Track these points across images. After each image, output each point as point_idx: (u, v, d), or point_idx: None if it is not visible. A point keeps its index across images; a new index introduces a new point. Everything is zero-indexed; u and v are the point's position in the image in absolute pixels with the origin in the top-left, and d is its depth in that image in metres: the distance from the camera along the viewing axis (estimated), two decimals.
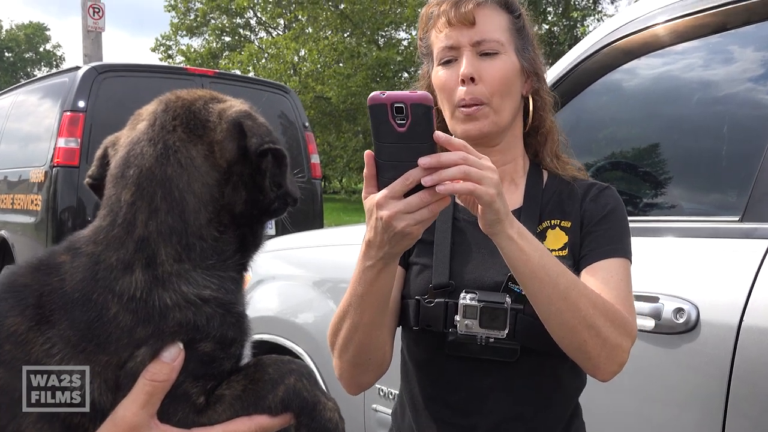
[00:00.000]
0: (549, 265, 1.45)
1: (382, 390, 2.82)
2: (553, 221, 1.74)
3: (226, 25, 40.21)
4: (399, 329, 1.80)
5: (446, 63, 1.75)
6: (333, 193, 40.78)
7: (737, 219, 2.07)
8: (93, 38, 13.45)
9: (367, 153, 1.35)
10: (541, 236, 1.69)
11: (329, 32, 31.79)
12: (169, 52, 40.83)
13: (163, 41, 41.06)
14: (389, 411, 1.82)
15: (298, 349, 3.21)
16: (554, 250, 1.66)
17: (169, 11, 40.58)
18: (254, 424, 1.04)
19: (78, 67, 7.49)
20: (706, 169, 2.50)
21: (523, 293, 1.56)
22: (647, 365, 2.02)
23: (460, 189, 1.31)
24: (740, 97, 2.36)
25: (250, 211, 1.10)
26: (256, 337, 1.16)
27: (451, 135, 1.40)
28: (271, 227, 5.98)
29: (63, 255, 1.04)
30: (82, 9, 13.40)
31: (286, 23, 37.25)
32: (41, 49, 66.48)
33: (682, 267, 2.13)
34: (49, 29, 70.76)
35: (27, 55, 65.67)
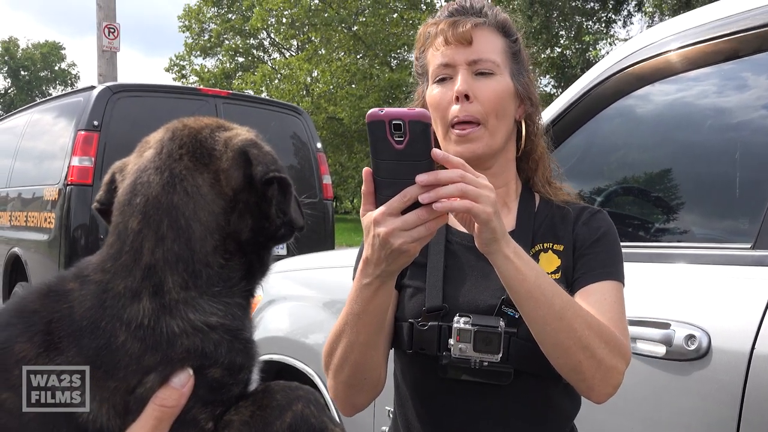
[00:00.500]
0: (545, 285, 1.45)
1: (392, 412, 2.81)
2: (545, 244, 1.74)
3: (240, 45, 40.51)
4: (392, 352, 1.80)
5: (441, 81, 1.76)
6: (344, 213, 40.85)
7: (749, 246, 2.07)
8: (108, 58, 13.53)
9: (366, 170, 1.36)
10: (534, 260, 1.70)
11: (342, 54, 31.97)
12: (183, 71, 41.10)
13: (177, 61, 41.34)
14: None
15: (307, 370, 3.20)
16: (547, 274, 1.67)
17: (183, 32, 40.99)
18: None
19: (93, 87, 7.53)
20: (718, 196, 2.49)
21: (516, 317, 1.57)
22: (658, 392, 2.01)
23: (457, 207, 1.31)
24: (753, 124, 2.36)
25: (256, 238, 1.10)
26: (266, 357, 1.16)
27: None
28: (282, 248, 5.99)
29: (72, 282, 1.05)
30: (97, 29, 13.49)
31: (300, 44, 37.51)
32: (56, 68, 66.98)
33: (693, 294, 2.12)
34: (64, 48, 71.36)
35: (42, 74, 66.19)
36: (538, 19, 21.10)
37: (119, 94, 7.31)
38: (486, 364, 1.62)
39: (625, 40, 18.76)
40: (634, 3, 21.15)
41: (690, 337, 1.93)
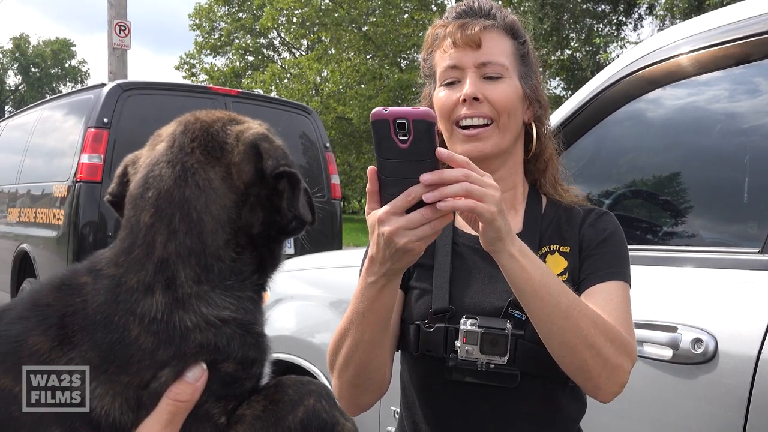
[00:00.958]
0: (550, 284, 1.45)
1: (398, 413, 2.81)
2: (552, 246, 1.75)
3: (250, 44, 40.56)
4: (398, 354, 1.80)
5: (449, 84, 1.75)
6: (352, 213, 40.84)
7: (758, 251, 2.07)
8: (118, 56, 13.56)
9: (370, 169, 1.36)
10: None
11: (352, 54, 31.96)
12: (193, 70, 41.17)
13: (188, 59, 41.40)
14: None
15: (314, 369, 3.21)
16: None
17: (193, 30, 41.00)
18: None
19: (103, 84, 7.54)
20: (727, 200, 2.49)
21: (523, 319, 1.57)
22: (664, 395, 2.01)
23: (461, 206, 1.31)
24: (763, 129, 2.36)
25: (267, 231, 1.11)
26: (273, 356, 1.17)
27: None
28: (290, 247, 5.99)
29: (85, 276, 1.05)
30: (108, 27, 13.53)
31: (309, 44, 37.53)
32: (67, 65, 67.16)
33: (701, 297, 2.12)
34: (75, 45, 71.57)
35: (53, 71, 66.38)
36: (549, 21, 21.07)
37: (129, 91, 7.33)
38: (492, 366, 1.62)
39: (636, 43, 18.73)
40: (645, 6, 21.07)
41: (697, 341, 1.93)
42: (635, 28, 23.34)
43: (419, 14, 30.69)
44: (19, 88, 66.92)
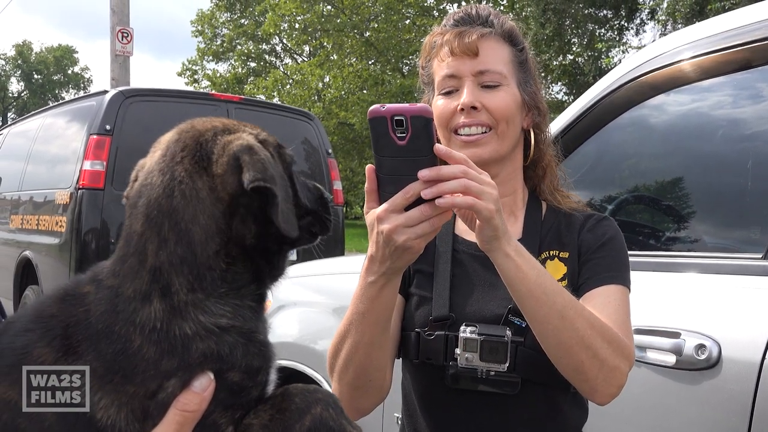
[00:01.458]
0: (546, 284, 1.45)
1: (401, 420, 2.81)
2: (551, 252, 1.75)
3: (252, 50, 40.60)
4: (400, 361, 1.80)
5: (447, 93, 1.75)
6: (355, 219, 40.83)
7: (761, 256, 2.06)
8: (121, 62, 13.60)
9: (369, 167, 1.36)
10: None
11: (354, 59, 31.99)
12: (195, 76, 41.21)
13: (190, 66, 41.45)
14: None
15: (316, 376, 3.21)
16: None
17: (196, 36, 41.05)
18: None
19: (105, 91, 7.55)
20: (730, 205, 2.49)
21: (523, 326, 1.57)
22: (668, 401, 2.01)
23: (460, 203, 1.31)
24: (766, 134, 2.36)
25: (263, 243, 1.10)
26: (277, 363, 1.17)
27: None
28: (292, 253, 5.96)
29: (87, 285, 1.06)
30: (111, 33, 13.56)
31: (312, 50, 37.55)
32: (69, 72, 67.29)
33: (704, 303, 2.11)
34: (77, 52, 71.69)
35: (56, 78, 66.51)
36: (551, 27, 21.08)
37: (132, 98, 7.34)
38: (493, 373, 1.62)
39: (638, 48, 18.74)
40: (647, 11, 21.08)
41: (700, 347, 1.93)
42: (637, 33, 23.30)
43: (421, 20, 30.72)
44: (22, 95, 67.06)
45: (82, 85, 66.62)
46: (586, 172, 2.81)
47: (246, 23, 40.21)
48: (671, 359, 1.99)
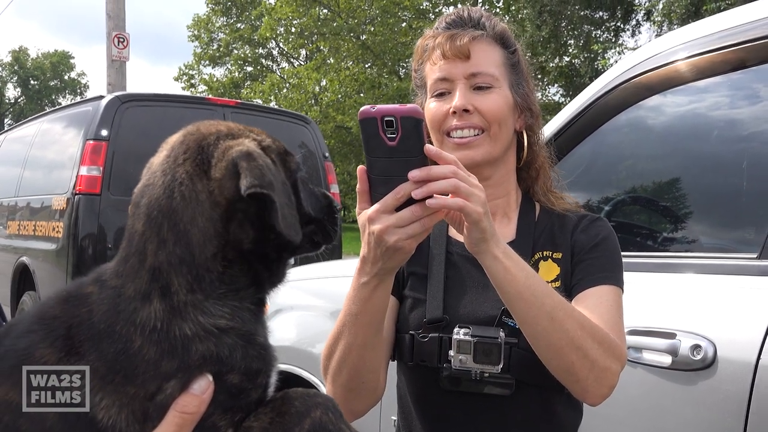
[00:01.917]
0: (535, 286, 1.45)
1: (397, 422, 2.81)
2: (545, 252, 1.75)
3: (249, 55, 40.60)
4: (395, 364, 1.80)
5: (439, 96, 1.76)
6: (352, 222, 40.75)
7: (755, 256, 2.07)
8: (117, 67, 13.59)
9: (360, 168, 1.37)
10: (534, 268, 1.69)
11: (350, 63, 31.97)
12: (192, 81, 41.21)
13: (186, 71, 41.45)
14: None
15: (314, 380, 3.21)
16: (547, 282, 1.66)
17: (192, 41, 41.06)
18: None
19: (102, 96, 7.56)
20: (725, 206, 2.50)
21: (516, 327, 1.56)
22: (663, 402, 2.01)
23: (450, 204, 1.32)
24: (761, 135, 2.36)
25: (261, 249, 1.11)
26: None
27: None
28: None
29: (90, 286, 1.07)
30: (107, 39, 13.56)
31: (308, 54, 37.56)
32: (66, 77, 67.26)
33: (699, 303, 2.12)
34: (73, 57, 71.67)
35: (52, 83, 66.46)
36: (547, 28, 21.09)
37: (128, 103, 7.35)
38: (487, 375, 1.63)
39: (634, 49, 18.75)
40: (642, 12, 21.11)
41: (696, 347, 1.93)
42: (633, 35, 23.32)
43: (417, 23, 30.73)
44: (19, 100, 66.98)
45: (78, 90, 66.55)
46: (581, 173, 2.81)
47: (242, 27, 40.24)
48: (667, 360, 1.99)
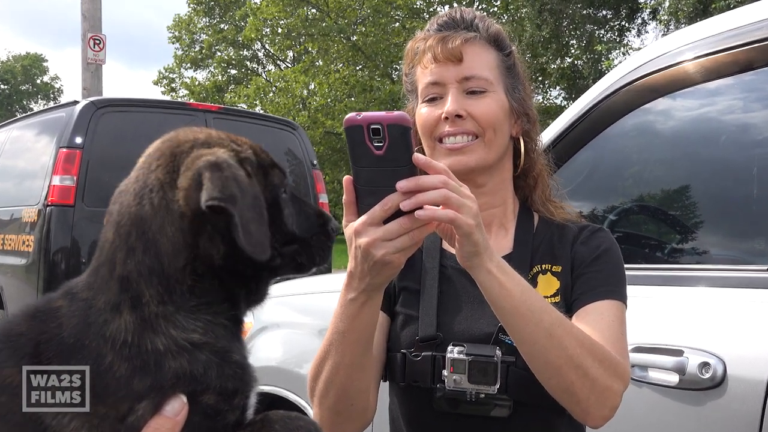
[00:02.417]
0: (531, 301, 1.45)
1: None
2: (544, 266, 1.75)
3: (233, 57, 40.60)
4: (386, 385, 1.79)
5: (431, 101, 1.76)
6: (341, 234, 40.75)
7: (766, 268, 2.07)
8: (93, 71, 13.58)
9: (346, 178, 1.37)
10: (532, 282, 1.69)
11: (340, 65, 32.04)
12: (173, 85, 41.19)
13: (167, 74, 41.43)
14: None
15: (301, 402, 3.19)
16: (546, 297, 1.66)
17: (173, 42, 41.05)
18: None
19: (76, 102, 7.57)
20: (734, 215, 2.50)
21: (514, 345, 1.55)
22: (671, 424, 2.01)
23: (441, 216, 1.31)
24: None
25: (234, 266, 1.10)
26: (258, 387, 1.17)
27: None
28: None
29: (60, 300, 1.07)
30: (82, 41, 13.55)
31: (296, 55, 37.60)
32: (38, 81, 67.16)
33: (707, 318, 2.12)
34: (46, 60, 71.48)
35: (23, 88, 66.34)
36: (548, 28, 21.16)
37: (104, 109, 7.35)
38: (483, 396, 1.62)
39: (640, 49, 18.83)
40: (648, 11, 21.20)
41: (704, 365, 1.93)
42: (639, 34, 23.45)
43: (411, 23, 30.83)
44: None
45: (51, 95, 66.46)
46: (583, 181, 2.81)
47: (226, 28, 40.27)
48: (674, 378, 1.98)
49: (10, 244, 7.59)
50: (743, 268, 2.22)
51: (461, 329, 1.69)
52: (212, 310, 1.09)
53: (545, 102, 25.42)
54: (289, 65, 37.76)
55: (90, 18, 13.58)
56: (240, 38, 37.63)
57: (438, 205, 1.31)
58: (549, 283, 1.72)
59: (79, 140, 7.01)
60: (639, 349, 2.03)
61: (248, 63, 41.58)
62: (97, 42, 13.55)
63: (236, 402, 1.07)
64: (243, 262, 1.08)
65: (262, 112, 26.47)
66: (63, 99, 55.56)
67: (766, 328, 1.92)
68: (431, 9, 31.65)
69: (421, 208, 1.29)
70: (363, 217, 1.34)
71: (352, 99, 30.31)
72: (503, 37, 1.81)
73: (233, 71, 41.24)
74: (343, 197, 1.39)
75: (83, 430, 0.98)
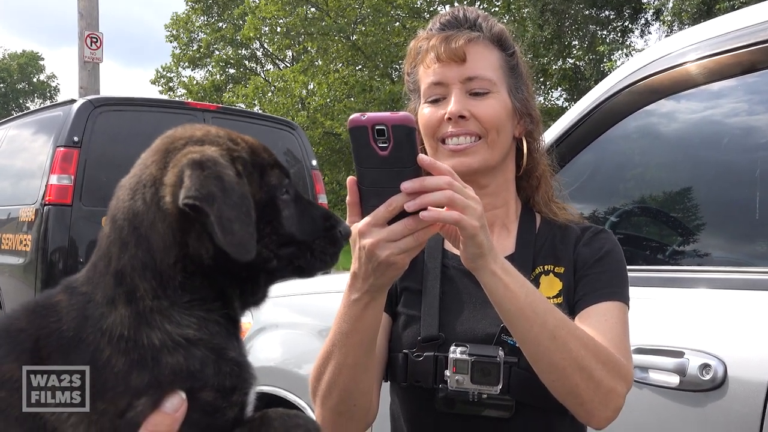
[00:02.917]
0: (536, 303, 1.46)
1: None
2: (546, 267, 1.76)
3: (231, 56, 40.46)
4: (388, 385, 1.80)
5: (433, 101, 1.77)
6: None
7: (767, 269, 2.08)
8: (90, 69, 13.56)
9: (350, 179, 1.38)
10: (535, 283, 1.70)
11: (340, 65, 31.95)
12: (170, 84, 41.07)
13: (164, 73, 41.33)
14: None
15: (300, 403, 3.19)
16: (549, 298, 1.66)
17: (170, 41, 40.93)
18: None
19: (73, 100, 7.56)
20: (736, 217, 2.50)
21: (517, 345, 1.56)
22: (671, 425, 2.02)
23: (445, 217, 1.32)
24: None
25: (225, 265, 1.09)
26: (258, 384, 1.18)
27: None
28: None
29: (60, 294, 1.08)
30: (78, 39, 13.53)
31: (295, 55, 37.48)
32: (35, 80, 67.01)
33: (708, 320, 2.13)
34: (43, 59, 71.24)
35: (20, 86, 66.17)
36: (550, 29, 21.14)
37: (101, 108, 7.34)
38: (485, 396, 1.63)
39: (643, 50, 18.80)
40: (651, 11, 21.17)
41: (705, 367, 1.94)
42: (642, 35, 23.39)
43: (411, 22, 30.74)
44: None
45: (48, 94, 66.24)
46: (585, 182, 2.82)
47: (224, 27, 40.12)
48: (674, 380, 1.99)
49: (7, 244, 7.59)
50: (744, 270, 2.23)
51: (463, 329, 1.70)
52: (206, 306, 1.10)
53: (547, 103, 25.37)
54: (288, 65, 37.66)
55: (87, 16, 13.56)
56: (238, 37, 37.48)
57: (442, 207, 1.32)
58: (551, 284, 1.73)
59: (76, 139, 7.00)
60: (640, 351, 2.04)
61: (247, 62, 41.46)
62: (94, 40, 13.53)
63: (234, 399, 1.08)
64: (233, 262, 1.08)
65: (260, 111, 26.43)
66: (60, 98, 55.58)
67: (767, 329, 1.93)
68: (431, 8, 31.59)
69: (425, 209, 1.30)
70: (367, 218, 1.35)
71: (352, 99, 30.22)
72: (506, 36, 1.81)
73: (232, 70, 41.11)
74: (347, 198, 1.40)
75: (82, 425, 1.00)
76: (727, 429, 1.91)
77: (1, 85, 65.60)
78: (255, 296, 1.19)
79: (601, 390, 1.49)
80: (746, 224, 2.44)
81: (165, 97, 36.46)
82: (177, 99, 29.31)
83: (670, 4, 18.57)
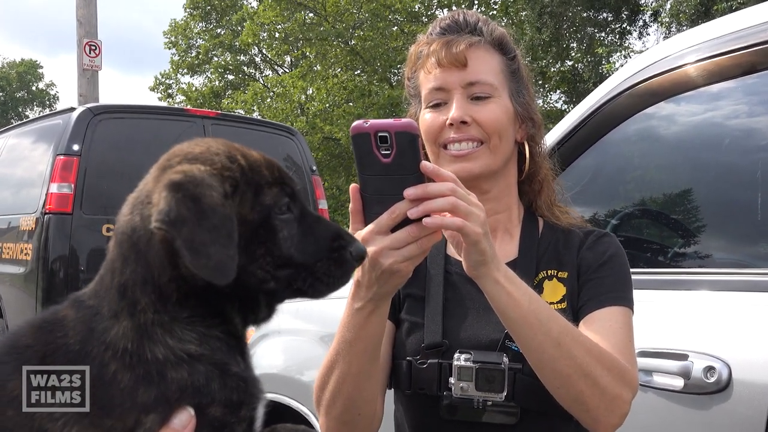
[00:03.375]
0: (539, 310, 1.45)
1: None
2: (550, 272, 1.75)
3: (230, 62, 40.48)
4: (391, 392, 1.80)
5: (435, 106, 1.76)
6: None
7: None
8: (89, 77, 13.56)
9: (353, 186, 1.37)
10: (538, 288, 1.70)
11: (339, 70, 31.96)
12: (169, 91, 41.09)
13: (163, 80, 41.35)
14: None
15: (303, 409, 3.19)
16: (552, 303, 1.66)
17: (169, 48, 40.95)
18: None
19: (73, 108, 7.56)
20: (738, 218, 2.50)
21: (522, 353, 1.55)
22: (677, 427, 2.02)
23: (449, 224, 1.32)
24: None
25: (215, 286, 1.06)
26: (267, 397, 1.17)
27: None
28: None
29: (66, 310, 1.09)
30: (77, 47, 13.53)
31: (294, 60, 37.49)
32: (34, 88, 67.02)
33: (712, 322, 2.12)
34: (42, 67, 71.21)
35: (19, 95, 66.17)
36: (548, 31, 21.14)
37: (101, 115, 7.33)
38: (490, 403, 1.62)
39: (642, 52, 18.80)
40: (649, 13, 21.19)
41: (709, 369, 1.94)
42: (640, 37, 23.39)
43: (409, 27, 30.75)
44: None
45: (47, 102, 66.22)
46: (585, 185, 2.81)
47: (222, 33, 40.14)
48: (679, 383, 1.99)
49: (8, 253, 7.59)
50: (748, 272, 2.23)
51: (467, 336, 1.70)
52: (206, 323, 1.09)
53: (546, 106, 25.38)
54: (287, 70, 37.68)
55: (85, 23, 13.56)
56: (237, 43, 37.52)
57: (446, 213, 1.32)
58: (555, 289, 1.72)
59: (76, 147, 7.00)
60: (643, 354, 2.04)
61: (245, 68, 41.45)
62: (93, 48, 13.53)
63: (243, 414, 1.08)
64: (229, 285, 1.06)
65: (260, 117, 26.43)
66: (59, 106, 55.61)
67: None
68: (430, 13, 31.62)
69: (429, 216, 1.30)
70: (370, 226, 1.35)
71: (351, 104, 30.25)
72: (507, 40, 1.81)
73: (230, 76, 41.11)
74: (350, 206, 1.39)
75: None
76: (732, 431, 1.90)
77: (0, 94, 65.62)
78: (256, 315, 1.18)
79: (607, 396, 1.48)
80: (748, 225, 2.44)
81: (164, 104, 36.45)
82: (176, 106, 29.32)
83: (668, 6, 18.59)
